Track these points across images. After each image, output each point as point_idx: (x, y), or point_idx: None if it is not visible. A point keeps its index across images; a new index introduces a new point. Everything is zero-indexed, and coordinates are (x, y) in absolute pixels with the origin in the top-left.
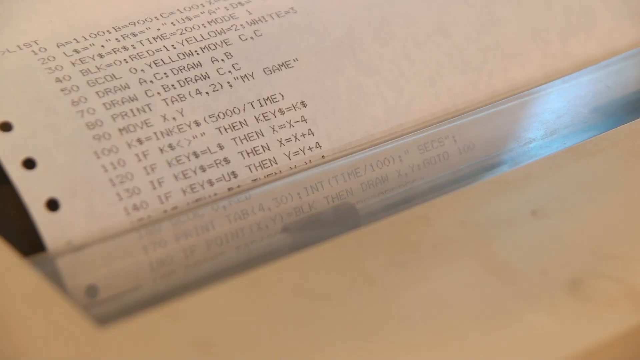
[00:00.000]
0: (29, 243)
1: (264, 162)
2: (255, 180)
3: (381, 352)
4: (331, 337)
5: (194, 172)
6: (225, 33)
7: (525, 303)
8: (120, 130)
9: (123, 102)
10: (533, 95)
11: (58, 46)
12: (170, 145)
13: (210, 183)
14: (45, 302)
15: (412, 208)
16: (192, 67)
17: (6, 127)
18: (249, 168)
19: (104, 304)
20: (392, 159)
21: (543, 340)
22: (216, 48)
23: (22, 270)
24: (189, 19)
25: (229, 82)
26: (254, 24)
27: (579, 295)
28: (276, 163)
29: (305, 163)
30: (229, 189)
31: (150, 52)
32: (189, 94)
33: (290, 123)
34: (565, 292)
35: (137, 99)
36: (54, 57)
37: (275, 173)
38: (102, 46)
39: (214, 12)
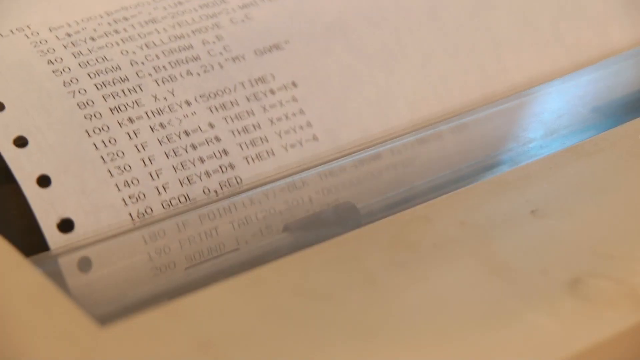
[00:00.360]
0: (30, 243)
1: (255, 140)
2: (246, 157)
3: (381, 352)
4: (331, 337)
5: (185, 150)
6: (216, 17)
7: (525, 303)
8: (111, 109)
9: (114, 83)
10: (533, 95)
11: (50, 30)
12: (161, 124)
13: (202, 160)
14: (46, 302)
15: (412, 208)
16: (183, 49)
17: None
18: (240, 146)
19: (105, 304)
20: (393, 158)
21: (543, 340)
22: (207, 31)
23: (23, 269)
24: (180, 3)
25: (219, 64)
26: (245, 7)
27: (579, 295)
28: (267, 141)
29: (297, 142)
30: (220, 166)
31: (142, 35)
32: (180, 75)
33: (281, 103)
34: (565, 291)
35: (128, 80)
36: (46, 41)
37: (267, 151)
38: (94, 29)
39: None
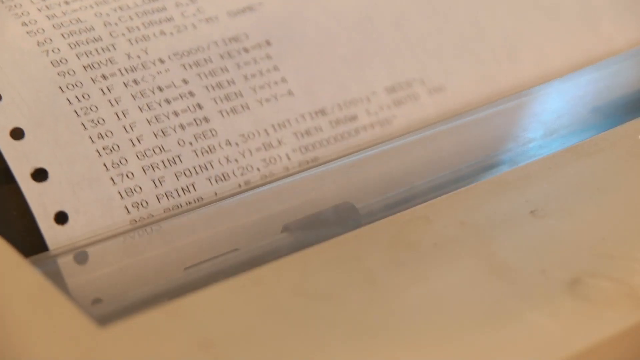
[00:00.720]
0: (30, 244)
1: (229, 95)
2: (220, 111)
3: (381, 352)
4: (331, 337)
5: (159, 104)
6: None
7: (524, 303)
8: (84, 67)
9: (88, 43)
10: (532, 95)
11: None
12: (134, 81)
13: (176, 114)
14: (46, 302)
15: (412, 208)
16: (157, 11)
17: None
18: (214, 100)
19: (105, 304)
20: (393, 158)
21: (542, 340)
22: None
23: (23, 269)
24: None
25: (193, 24)
26: None
27: (579, 295)
28: (242, 96)
29: (272, 96)
30: (195, 119)
31: None
32: (154, 35)
33: (255, 60)
34: (564, 291)
35: (101, 40)
36: (21, 5)
37: (242, 105)
38: None
39: None
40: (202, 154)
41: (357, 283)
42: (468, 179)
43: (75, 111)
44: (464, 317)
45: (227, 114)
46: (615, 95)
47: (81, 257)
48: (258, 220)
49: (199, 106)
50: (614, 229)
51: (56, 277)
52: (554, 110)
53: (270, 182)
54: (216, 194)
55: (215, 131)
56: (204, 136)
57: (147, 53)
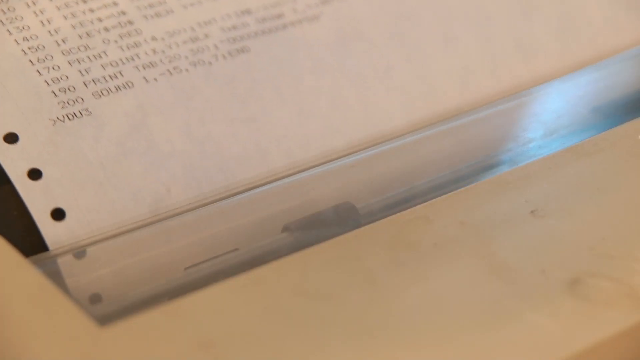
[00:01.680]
0: (30, 243)
1: (153, 4)
2: (145, 15)
3: (381, 352)
4: (331, 337)
5: (83, 12)
6: None
7: (524, 303)
8: None
9: None
10: (532, 95)
11: None
12: None
13: (100, 20)
14: (46, 302)
15: (412, 208)
16: None
17: None
18: (138, 8)
19: (105, 304)
20: (393, 158)
21: (542, 340)
22: None
23: (23, 269)
24: None
25: None
26: None
27: (578, 295)
28: (165, 3)
29: (196, 1)
30: (119, 22)
31: None
32: None
33: None
34: (564, 291)
35: None
36: None
37: (166, 10)
38: None
39: None
40: (128, 48)
41: (357, 283)
42: (468, 179)
43: (1, 21)
44: (464, 317)
45: (152, 17)
46: (615, 95)
47: (81, 256)
48: (258, 220)
49: (123, 13)
50: (614, 229)
51: (56, 277)
52: (554, 110)
53: (270, 182)
54: (145, 78)
55: (140, 30)
56: (129, 35)
57: None
